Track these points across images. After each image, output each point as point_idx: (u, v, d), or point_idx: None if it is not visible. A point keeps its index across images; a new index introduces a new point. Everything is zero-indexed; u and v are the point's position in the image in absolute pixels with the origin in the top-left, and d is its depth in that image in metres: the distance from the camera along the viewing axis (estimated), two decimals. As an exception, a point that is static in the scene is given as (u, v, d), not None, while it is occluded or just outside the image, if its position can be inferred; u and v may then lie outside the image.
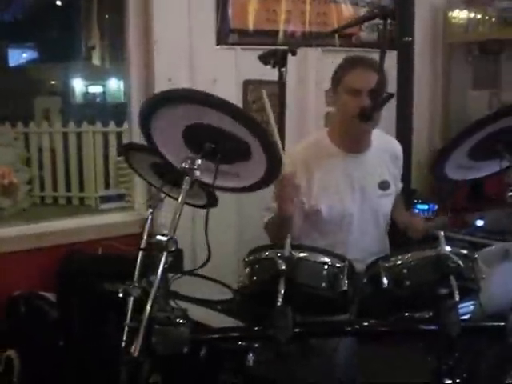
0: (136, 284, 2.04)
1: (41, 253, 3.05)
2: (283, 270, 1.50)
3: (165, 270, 1.58)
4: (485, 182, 3.89)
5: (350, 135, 2.43)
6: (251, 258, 1.67)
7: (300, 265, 1.55)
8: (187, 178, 1.61)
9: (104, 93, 13.83)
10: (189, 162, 1.61)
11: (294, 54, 2.75)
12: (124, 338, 1.98)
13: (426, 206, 3.78)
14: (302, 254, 1.57)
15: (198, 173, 1.60)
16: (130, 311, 2.00)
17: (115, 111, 8.95)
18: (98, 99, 13.56)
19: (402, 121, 3.44)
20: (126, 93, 3.62)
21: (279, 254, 1.54)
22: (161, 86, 3.31)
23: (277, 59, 2.73)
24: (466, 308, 1.69)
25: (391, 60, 3.57)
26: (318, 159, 2.39)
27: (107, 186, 6.11)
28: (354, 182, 2.43)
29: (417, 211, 3.60)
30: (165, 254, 1.56)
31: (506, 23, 4.03)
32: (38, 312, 2.88)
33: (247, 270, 1.65)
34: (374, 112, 2.05)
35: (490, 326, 1.62)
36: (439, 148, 1.67)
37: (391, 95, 1.92)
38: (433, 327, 1.57)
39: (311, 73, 3.75)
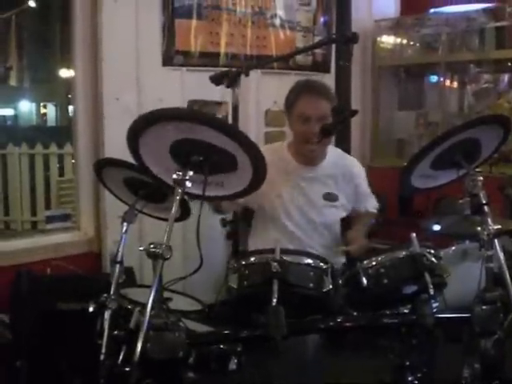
0: (113, 297, 2.10)
1: (-10, 274, 3.00)
2: (276, 272, 1.61)
3: (161, 278, 1.64)
4: (414, 197, 4.17)
5: (300, 153, 2.64)
6: (238, 263, 1.77)
7: (290, 267, 1.67)
8: (179, 189, 1.68)
9: (16, 115, 13.49)
10: (180, 173, 1.68)
11: (247, 74, 2.90)
12: (103, 351, 2.03)
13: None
14: (290, 257, 1.69)
15: (189, 184, 1.68)
16: (108, 323, 2.05)
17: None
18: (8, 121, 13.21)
19: (341, 141, 3.64)
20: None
21: (271, 258, 1.65)
22: (109, 105, 3.36)
23: (230, 80, 2.87)
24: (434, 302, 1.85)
25: (329, 83, 3.79)
26: (274, 162, 2.51)
27: (48, 207, 5.99)
28: (300, 189, 2.62)
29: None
30: (161, 261, 1.62)
31: (428, 48, 4.37)
32: (-8, 334, 2.83)
33: (235, 275, 1.75)
34: (336, 128, 2.20)
35: (459, 317, 1.80)
36: (411, 157, 1.83)
37: (355, 112, 2.06)
38: (410, 319, 1.72)
39: (252, 94, 3.89)
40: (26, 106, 13.79)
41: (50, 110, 14.48)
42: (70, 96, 11.73)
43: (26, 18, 8.69)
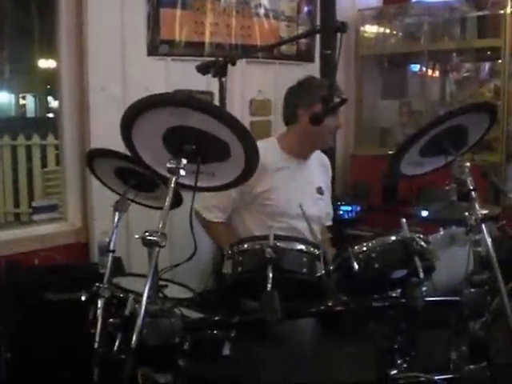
0: (106, 285, 2.11)
1: (-23, 266, 2.99)
2: (271, 257, 1.64)
3: (156, 265, 1.66)
4: (397, 186, 4.23)
5: (307, 147, 2.65)
6: (232, 250, 1.79)
7: (284, 253, 1.70)
8: (173, 177, 1.69)
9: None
10: (174, 162, 1.69)
11: (233, 64, 2.91)
12: (97, 340, 2.04)
13: (349, 208, 4.05)
14: (283, 243, 1.72)
15: (183, 172, 1.69)
16: (101, 312, 2.07)
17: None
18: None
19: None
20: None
21: (265, 244, 1.68)
22: (94, 95, 3.35)
23: (217, 69, 2.87)
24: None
25: (313, 72, 3.81)
26: (269, 158, 2.52)
27: (31, 198, 5.95)
28: (300, 184, 2.64)
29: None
30: (157, 249, 1.63)
31: (411, 37, 4.41)
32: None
33: (229, 261, 1.77)
34: (326, 116, 2.21)
35: (448, 300, 1.84)
36: (401, 143, 1.87)
37: (344, 100, 2.09)
38: (400, 302, 1.76)
39: (236, 83, 3.90)
40: (4, 97, 13.62)
41: (29, 101, 14.31)
42: (49, 87, 11.63)
43: (6, 8, 8.56)
